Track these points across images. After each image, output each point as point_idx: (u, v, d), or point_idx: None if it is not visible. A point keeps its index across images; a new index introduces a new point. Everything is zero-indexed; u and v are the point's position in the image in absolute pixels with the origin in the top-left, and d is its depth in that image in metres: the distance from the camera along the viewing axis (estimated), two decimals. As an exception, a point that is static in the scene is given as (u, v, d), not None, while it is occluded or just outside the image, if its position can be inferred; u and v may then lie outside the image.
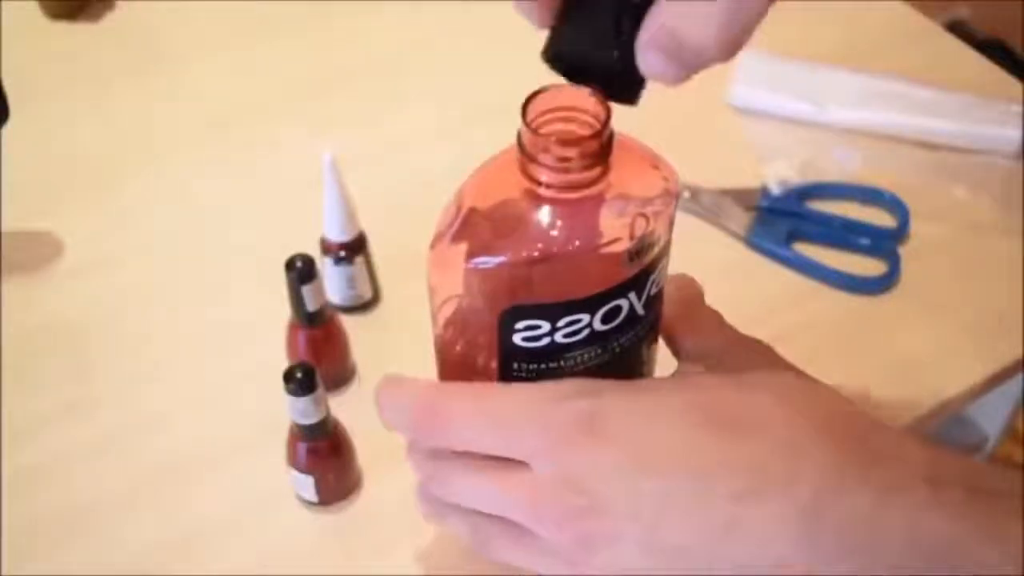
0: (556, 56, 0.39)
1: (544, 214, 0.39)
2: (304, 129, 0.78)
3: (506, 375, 0.43)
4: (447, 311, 0.43)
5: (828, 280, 0.68)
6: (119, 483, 0.58)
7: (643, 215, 0.40)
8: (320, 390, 0.52)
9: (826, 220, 0.71)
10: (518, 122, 0.39)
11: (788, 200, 0.71)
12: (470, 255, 0.39)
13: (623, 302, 0.41)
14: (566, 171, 0.38)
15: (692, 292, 0.46)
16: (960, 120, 0.76)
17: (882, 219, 0.72)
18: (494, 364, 0.42)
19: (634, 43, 0.36)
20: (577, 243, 0.40)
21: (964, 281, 0.68)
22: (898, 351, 0.64)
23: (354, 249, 0.63)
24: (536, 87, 0.40)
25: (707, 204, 0.71)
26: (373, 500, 0.57)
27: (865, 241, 0.70)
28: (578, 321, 0.41)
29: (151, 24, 0.88)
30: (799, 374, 0.42)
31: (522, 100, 0.39)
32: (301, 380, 0.51)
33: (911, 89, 0.78)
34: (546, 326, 0.40)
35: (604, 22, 0.36)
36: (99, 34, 0.87)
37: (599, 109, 0.39)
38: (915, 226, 0.71)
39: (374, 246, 0.64)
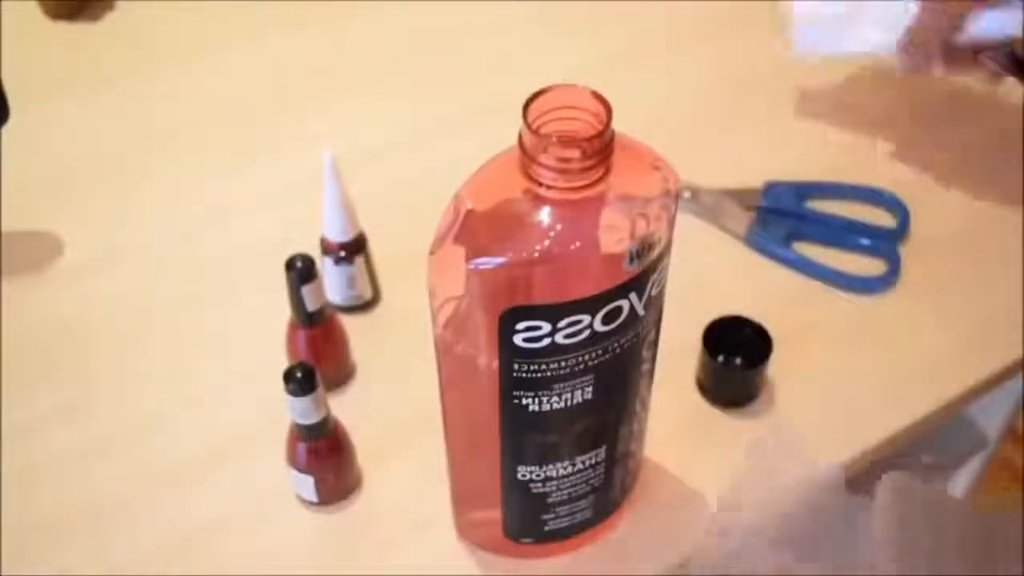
0: None
1: (544, 215, 0.39)
2: (304, 129, 0.78)
3: (506, 375, 0.43)
4: (447, 312, 0.43)
5: (828, 280, 0.68)
6: (119, 483, 0.58)
7: (644, 216, 0.40)
8: (320, 390, 0.52)
9: (826, 220, 0.71)
10: (518, 122, 0.39)
11: (788, 200, 0.71)
12: (470, 256, 0.39)
13: (624, 303, 0.41)
14: (567, 172, 0.38)
15: None
16: None
17: (882, 219, 0.71)
18: (495, 365, 0.42)
19: None
20: (577, 244, 0.40)
21: (964, 281, 0.68)
22: (898, 351, 0.64)
23: (354, 249, 0.63)
24: (538, 87, 0.40)
25: (707, 204, 0.71)
26: (373, 500, 0.57)
27: (865, 241, 0.70)
28: (579, 322, 0.41)
29: (151, 24, 0.88)
30: None
31: (523, 100, 0.39)
32: (301, 380, 0.51)
33: None
34: (547, 327, 0.40)
35: None
36: (99, 34, 0.87)
37: (600, 109, 0.39)
38: (915, 226, 0.70)
39: (374, 246, 0.64)
